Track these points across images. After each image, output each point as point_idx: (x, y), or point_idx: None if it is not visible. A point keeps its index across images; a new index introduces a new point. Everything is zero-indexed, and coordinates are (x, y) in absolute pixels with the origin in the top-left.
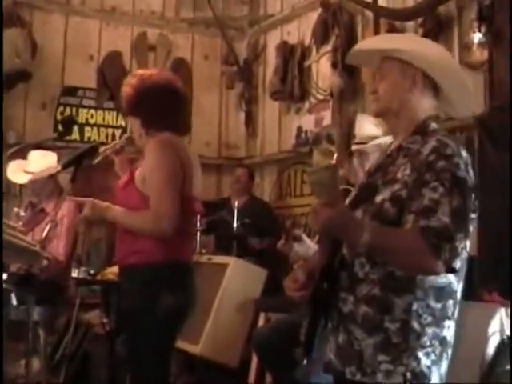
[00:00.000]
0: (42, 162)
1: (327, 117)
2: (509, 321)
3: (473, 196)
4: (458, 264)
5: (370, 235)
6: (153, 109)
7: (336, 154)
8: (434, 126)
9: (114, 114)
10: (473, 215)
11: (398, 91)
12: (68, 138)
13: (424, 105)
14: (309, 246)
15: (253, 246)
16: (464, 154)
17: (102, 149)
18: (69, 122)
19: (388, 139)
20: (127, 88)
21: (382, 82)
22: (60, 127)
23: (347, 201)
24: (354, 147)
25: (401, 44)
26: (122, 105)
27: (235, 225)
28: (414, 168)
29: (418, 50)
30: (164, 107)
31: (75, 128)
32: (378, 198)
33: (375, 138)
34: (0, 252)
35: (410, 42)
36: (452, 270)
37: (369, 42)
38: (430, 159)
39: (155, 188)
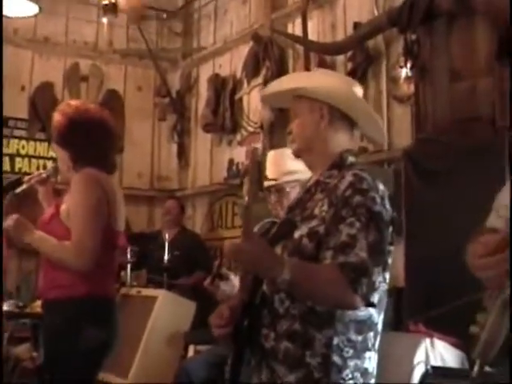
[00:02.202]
0: None
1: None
2: (434, 351)
3: (389, 229)
4: (375, 298)
5: (289, 271)
6: (84, 143)
7: (247, 193)
8: (351, 159)
9: (46, 144)
10: (390, 247)
11: (308, 128)
12: None
13: (339, 138)
14: (234, 284)
15: (182, 284)
16: (380, 187)
17: (26, 178)
18: None
19: (307, 174)
20: (61, 117)
21: (294, 121)
22: None
23: (268, 236)
24: (267, 184)
25: (307, 82)
26: (51, 133)
27: (166, 257)
28: (331, 203)
29: (323, 86)
30: (95, 143)
31: (6, 159)
32: (297, 234)
33: (294, 172)
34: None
35: (316, 79)
36: (370, 304)
37: (278, 83)
38: (347, 194)
39: (78, 222)
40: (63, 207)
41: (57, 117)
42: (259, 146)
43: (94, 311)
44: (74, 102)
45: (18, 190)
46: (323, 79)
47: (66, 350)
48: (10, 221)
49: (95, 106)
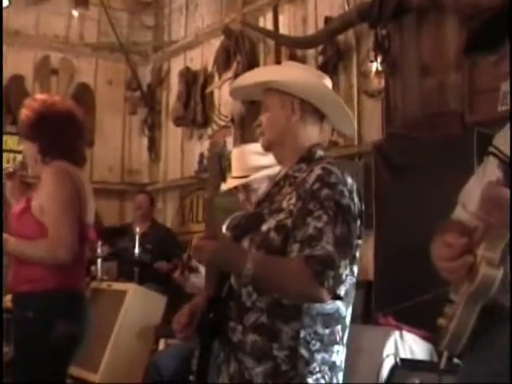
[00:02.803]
0: None
1: (229, 143)
2: (403, 344)
3: (358, 222)
4: (342, 291)
5: (253, 265)
6: (52, 136)
7: (208, 187)
8: (320, 153)
9: (16, 138)
10: (358, 241)
11: (278, 122)
12: None
13: (308, 132)
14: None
15: (159, 269)
16: (349, 180)
17: None
18: None
19: (275, 169)
20: (28, 111)
21: (265, 114)
22: None
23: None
24: (233, 182)
25: (277, 75)
26: (19, 127)
27: (137, 251)
28: (299, 197)
29: (293, 79)
30: (63, 136)
31: None
32: (264, 227)
33: (261, 168)
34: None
35: (287, 72)
36: (337, 297)
37: (249, 76)
38: (315, 187)
39: (53, 216)
40: (34, 202)
41: (24, 111)
42: (230, 139)
43: (65, 305)
44: (40, 96)
45: None
46: (294, 72)
47: (37, 343)
48: None
49: (63, 98)
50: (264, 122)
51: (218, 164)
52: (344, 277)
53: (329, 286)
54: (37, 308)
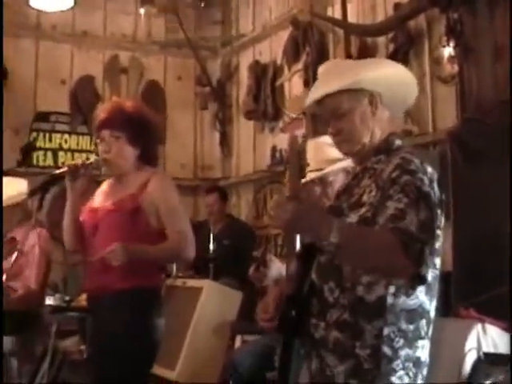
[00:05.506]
0: (9, 189)
1: (301, 135)
2: (486, 337)
3: (438, 212)
4: (428, 275)
5: (338, 233)
6: (151, 143)
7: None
8: (398, 143)
9: (88, 138)
10: (438, 232)
11: (363, 123)
12: (43, 164)
13: (384, 122)
14: (279, 266)
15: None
16: (429, 169)
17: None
18: (28, 149)
19: (351, 161)
20: (135, 114)
21: (342, 119)
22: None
23: None
24: (311, 175)
25: (350, 75)
26: (109, 125)
27: (211, 247)
28: (378, 188)
29: (366, 74)
30: (156, 143)
31: (49, 154)
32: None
33: (336, 160)
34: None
35: (353, 69)
36: (422, 281)
37: (319, 89)
38: (394, 175)
39: (180, 218)
40: (147, 203)
41: (131, 113)
42: (302, 131)
43: (151, 302)
44: (135, 101)
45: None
46: (356, 67)
47: (130, 341)
48: (119, 255)
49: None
50: (345, 128)
51: (298, 161)
52: (428, 259)
53: (415, 258)
54: (130, 304)
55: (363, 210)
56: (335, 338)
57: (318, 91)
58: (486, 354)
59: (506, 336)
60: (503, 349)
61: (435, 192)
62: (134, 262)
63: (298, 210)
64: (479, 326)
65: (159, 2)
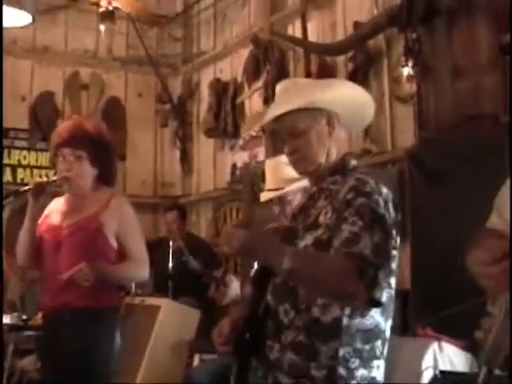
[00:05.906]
0: None
1: (261, 153)
2: (442, 355)
3: (394, 233)
4: (383, 297)
5: (291, 259)
6: (111, 164)
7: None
8: (353, 163)
9: (47, 155)
10: (394, 252)
11: (322, 142)
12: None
13: (340, 141)
14: (238, 286)
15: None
16: (384, 190)
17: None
18: None
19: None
20: (96, 133)
21: (299, 138)
22: None
23: None
24: (269, 195)
25: (304, 94)
26: (74, 142)
27: (170, 265)
28: (333, 209)
29: (323, 94)
30: (115, 163)
31: (7, 170)
32: (301, 244)
33: (295, 180)
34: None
35: (310, 88)
36: (377, 304)
37: (278, 107)
38: (349, 197)
39: (138, 240)
40: (109, 225)
41: (93, 133)
42: (262, 149)
43: (110, 320)
44: (95, 120)
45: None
46: (316, 87)
47: (87, 359)
48: (90, 276)
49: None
50: (302, 146)
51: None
52: (382, 282)
53: (369, 282)
54: (89, 322)
55: (319, 231)
56: (290, 359)
57: (276, 109)
58: (443, 372)
59: (462, 354)
60: (460, 367)
61: (390, 213)
62: (96, 280)
63: (249, 236)
64: (436, 345)
65: (120, 19)
